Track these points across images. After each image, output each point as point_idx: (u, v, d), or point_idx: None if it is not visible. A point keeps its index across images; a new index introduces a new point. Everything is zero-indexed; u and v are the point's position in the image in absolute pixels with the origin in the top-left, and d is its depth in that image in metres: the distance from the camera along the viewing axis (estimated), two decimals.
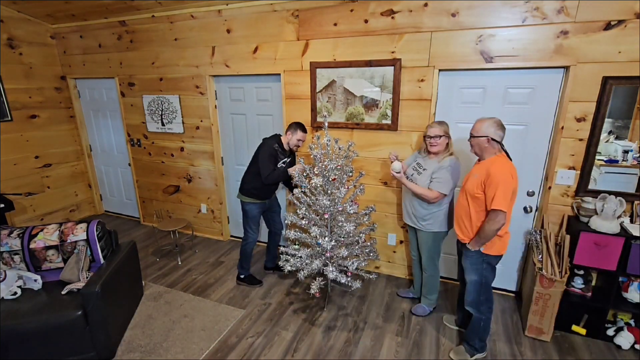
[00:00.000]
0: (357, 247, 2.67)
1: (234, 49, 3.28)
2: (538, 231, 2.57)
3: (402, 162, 2.53)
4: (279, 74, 3.17)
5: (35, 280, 2.36)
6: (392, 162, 2.45)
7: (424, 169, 2.41)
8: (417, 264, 2.77)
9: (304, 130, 2.78)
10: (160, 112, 3.87)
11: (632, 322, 2.43)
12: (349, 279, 2.49)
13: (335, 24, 2.83)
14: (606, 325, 2.43)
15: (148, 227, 4.42)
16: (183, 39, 3.49)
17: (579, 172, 2.45)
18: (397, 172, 2.38)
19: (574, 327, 2.47)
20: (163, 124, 3.90)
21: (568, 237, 2.35)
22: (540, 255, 2.43)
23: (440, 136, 2.30)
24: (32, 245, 2.41)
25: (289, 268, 2.56)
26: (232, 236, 4.10)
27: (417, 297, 2.88)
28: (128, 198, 4.67)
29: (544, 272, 2.32)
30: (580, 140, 2.40)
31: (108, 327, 2.24)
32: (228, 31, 3.25)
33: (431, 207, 2.41)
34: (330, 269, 2.44)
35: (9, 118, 3.82)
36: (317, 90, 3.04)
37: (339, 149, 2.57)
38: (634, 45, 2.14)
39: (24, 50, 3.90)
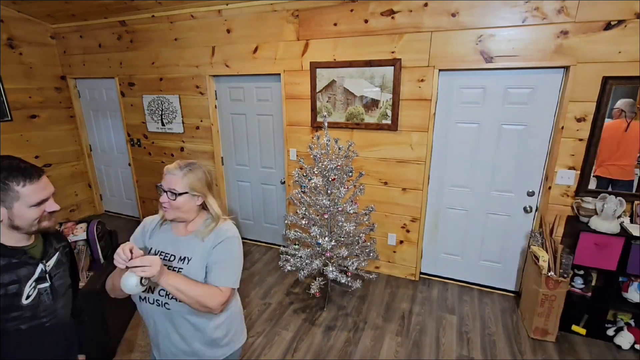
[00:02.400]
0: (357, 247, 2.68)
1: (234, 49, 3.28)
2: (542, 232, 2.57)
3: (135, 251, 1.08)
4: (279, 74, 3.17)
5: None
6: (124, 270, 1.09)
7: (185, 257, 1.25)
8: None
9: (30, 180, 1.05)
10: (160, 112, 3.87)
11: (632, 322, 2.42)
12: (349, 279, 2.49)
13: (335, 24, 2.83)
14: (606, 325, 2.43)
15: None
16: (183, 39, 3.49)
17: (579, 172, 2.45)
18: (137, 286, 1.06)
19: (574, 327, 2.47)
20: (163, 124, 3.90)
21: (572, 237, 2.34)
22: (545, 257, 2.42)
23: (178, 194, 1.21)
24: None
25: (289, 268, 2.56)
26: None
27: None
28: (128, 198, 4.67)
29: (551, 274, 2.30)
30: (580, 140, 2.40)
31: (108, 327, 2.23)
32: (228, 31, 3.25)
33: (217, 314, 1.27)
34: (330, 269, 2.44)
35: (9, 118, 3.81)
36: (317, 90, 3.04)
37: (339, 149, 2.57)
38: (634, 45, 2.14)
39: (24, 50, 3.90)
